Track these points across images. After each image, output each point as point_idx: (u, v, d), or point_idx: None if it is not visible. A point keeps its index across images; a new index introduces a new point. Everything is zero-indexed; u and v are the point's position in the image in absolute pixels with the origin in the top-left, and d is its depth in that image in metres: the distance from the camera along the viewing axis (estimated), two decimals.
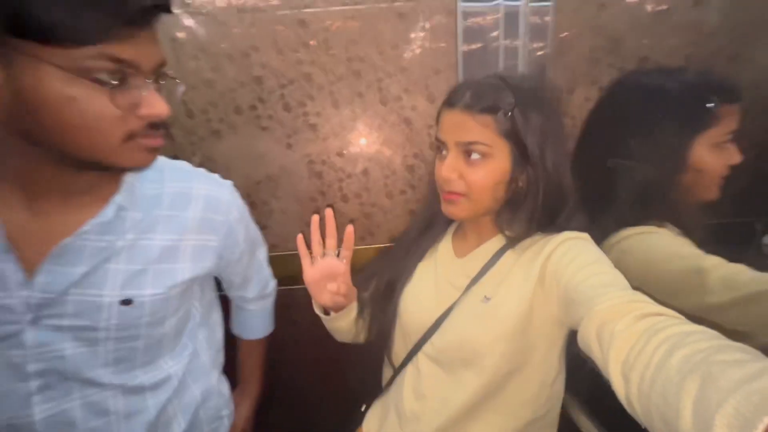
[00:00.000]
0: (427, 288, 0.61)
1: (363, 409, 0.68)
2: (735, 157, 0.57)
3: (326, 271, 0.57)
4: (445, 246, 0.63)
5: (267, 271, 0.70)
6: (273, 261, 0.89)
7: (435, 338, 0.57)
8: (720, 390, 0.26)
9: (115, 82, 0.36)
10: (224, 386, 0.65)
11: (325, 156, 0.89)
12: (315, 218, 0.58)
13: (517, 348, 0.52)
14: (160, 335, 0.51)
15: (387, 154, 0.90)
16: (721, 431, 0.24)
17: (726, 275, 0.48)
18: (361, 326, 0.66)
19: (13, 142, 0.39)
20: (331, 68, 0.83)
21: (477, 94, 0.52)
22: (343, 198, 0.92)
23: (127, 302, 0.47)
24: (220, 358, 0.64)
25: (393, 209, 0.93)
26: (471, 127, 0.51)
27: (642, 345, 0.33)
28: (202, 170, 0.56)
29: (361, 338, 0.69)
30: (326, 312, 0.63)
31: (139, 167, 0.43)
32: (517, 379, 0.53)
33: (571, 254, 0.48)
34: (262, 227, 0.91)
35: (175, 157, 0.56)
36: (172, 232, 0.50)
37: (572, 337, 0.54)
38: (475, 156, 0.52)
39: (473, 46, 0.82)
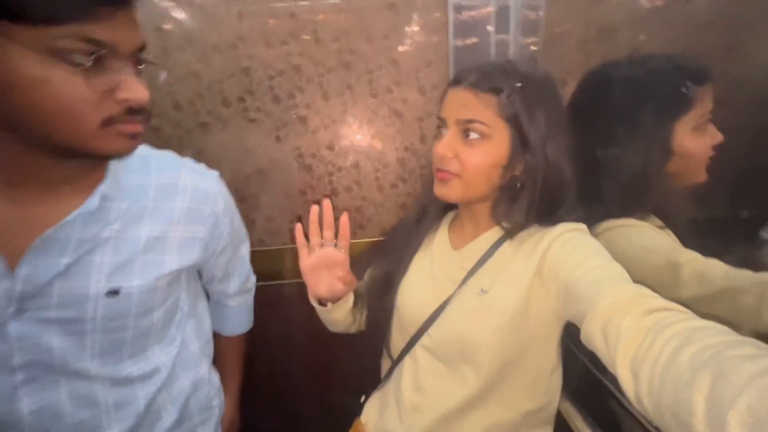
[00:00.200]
0: (424, 281, 0.61)
1: (362, 400, 0.68)
2: (716, 136, 0.58)
3: (324, 261, 0.57)
4: (441, 238, 0.63)
5: (248, 266, 0.70)
6: (262, 256, 0.90)
7: (432, 331, 0.57)
8: (732, 386, 0.25)
9: (90, 64, 0.35)
10: (214, 376, 0.65)
11: (314, 149, 0.88)
12: (314, 209, 0.57)
13: (514, 340, 0.52)
14: (148, 326, 0.51)
15: (378, 147, 0.90)
16: (735, 429, 0.24)
17: (699, 270, 0.49)
18: (356, 317, 0.66)
19: None
20: (320, 60, 0.83)
21: (484, 73, 0.52)
22: (333, 192, 0.92)
23: (113, 293, 0.46)
24: (209, 349, 0.64)
25: (384, 203, 0.93)
26: (473, 105, 0.51)
27: (650, 341, 0.33)
28: (188, 160, 0.55)
29: (354, 329, 0.69)
30: (322, 303, 0.62)
31: (120, 154, 0.42)
32: (515, 370, 0.53)
33: (569, 246, 0.48)
34: (251, 222, 0.91)
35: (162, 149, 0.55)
36: (159, 223, 0.49)
37: (564, 331, 0.55)
38: (473, 135, 0.51)
39: (465, 39, 0.83)
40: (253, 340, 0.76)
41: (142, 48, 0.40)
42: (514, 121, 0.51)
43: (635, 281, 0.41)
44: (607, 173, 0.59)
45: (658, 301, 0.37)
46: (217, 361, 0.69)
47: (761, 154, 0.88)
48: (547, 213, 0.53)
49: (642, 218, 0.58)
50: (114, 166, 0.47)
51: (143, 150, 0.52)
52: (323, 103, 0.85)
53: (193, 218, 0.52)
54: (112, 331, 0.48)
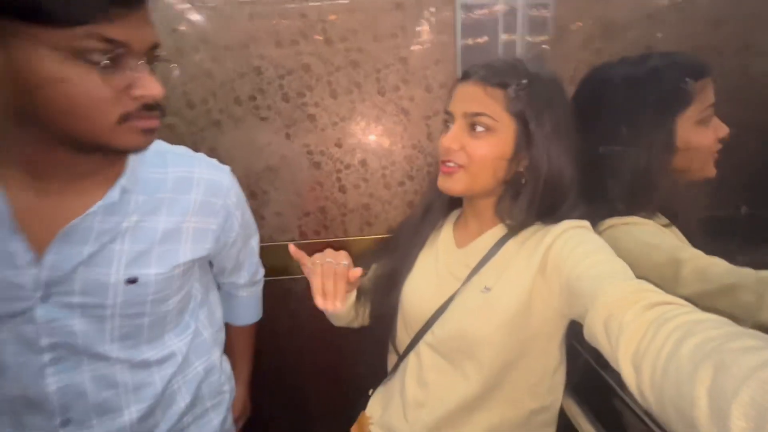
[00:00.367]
0: (428, 278, 0.61)
1: (370, 393, 0.70)
2: (721, 129, 0.58)
3: (327, 274, 0.54)
4: (446, 236, 0.64)
5: (257, 259, 0.72)
6: (271, 251, 0.91)
7: (435, 328, 0.57)
8: (734, 378, 0.25)
9: (107, 63, 0.37)
10: (226, 363, 0.68)
11: (323, 146, 0.90)
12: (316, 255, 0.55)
13: (517, 338, 0.52)
14: (164, 313, 0.54)
15: (385, 145, 0.91)
16: (738, 421, 0.24)
17: (700, 267, 0.49)
18: (359, 312, 0.67)
19: (17, 125, 0.41)
20: (329, 59, 0.84)
21: (493, 69, 0.53)
22: (341, 189, 0.94)
23: (132, 281, 0.49)
24: (221, 337, 0.67)
25: (391, 200, 0.95)
26: (481, 99, 0.52)
27: (652, 335, 0.33)
28: (202, 155, 0.58)
29: (357, 324, 0.70)
30: None
31: (137, 149, 0.44)
32: (518, 368, 0.53)
33: (572, 243, 0.48)
34: (261, 217, 0.93)
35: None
36: (175, 215, 0.52)
37: (569, 330, 0.55)
38: (479, 128, 0.52)
39: (472, 38, 0.83)
40: (262, 332, 0.79)
41: (155, 46, 0.42)
42: (520, 117, 0.52)
43: (638, 278, 0.41)
44: (611, 172, 0.59)
45: (660, 295, 0.37)
46: (229, 350, 0.71)
47: None
48: (549, 210, 0.53)
49: (648, 216, 0.58)
50: (133, 160, 0.49)
51: (159, 146, 0.54)
52: (332, 101, 0.87)
53: (207, 210, 0.55)
54: (131, 317, 0.50)
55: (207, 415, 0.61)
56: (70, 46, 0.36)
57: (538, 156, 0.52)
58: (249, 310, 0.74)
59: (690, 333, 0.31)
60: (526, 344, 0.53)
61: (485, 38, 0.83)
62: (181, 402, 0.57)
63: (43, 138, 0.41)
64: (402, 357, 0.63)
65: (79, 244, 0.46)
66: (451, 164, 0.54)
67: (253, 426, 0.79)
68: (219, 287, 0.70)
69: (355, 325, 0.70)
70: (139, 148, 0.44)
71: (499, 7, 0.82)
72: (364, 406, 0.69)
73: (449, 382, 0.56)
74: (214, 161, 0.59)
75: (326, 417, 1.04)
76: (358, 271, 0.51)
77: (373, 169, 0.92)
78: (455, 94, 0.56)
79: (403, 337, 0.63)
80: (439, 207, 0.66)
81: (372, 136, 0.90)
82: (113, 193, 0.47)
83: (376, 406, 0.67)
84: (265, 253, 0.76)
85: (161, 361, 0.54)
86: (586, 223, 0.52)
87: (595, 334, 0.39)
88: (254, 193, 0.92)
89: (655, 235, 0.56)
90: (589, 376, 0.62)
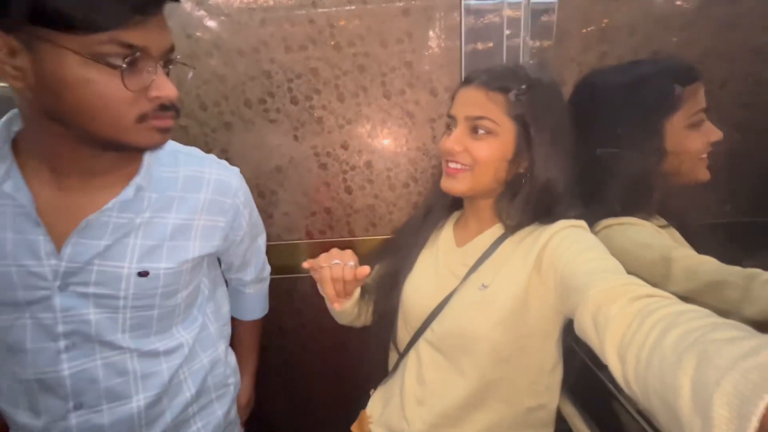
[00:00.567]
0: (428, 276, 0.62)
1: (372, 392, 0.71)
2: (713, 133, 0.58)
3: (335, 278, 0.55)
4: (446, 235, 0.65)
5: (264, 257, 0.74)
6: (278, 249, 0.94)
7: (435, 325, 0.58)
8: (717, 368, 0.26)
9: (126, 66, 0.40)
10: (231, 357, 0.70)
11: (330, 148, 0.92)
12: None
13: (515, 335, 0.53)
14: (173, 306, 0.56)
15: (390, 147, 0.93)
16: (721, 410, 0.24)
17: (689, 265, 0.49)
18: (362, 311, 0.69)
19: (42, 123, 0.44)
20: (337, 63, 0.86)
21: (494, 74, 0.55)
22: (347, 189, 0.95)
23: (143, 274, 0.51)
24: (227, 331, 0.69)
25: (396, 201, 0.96)
26: (482, 103, 0.54)
27: (636, 326, 0.34)
28: (212, 156, 0.60)
29: (361, 322, 0.72)
30: None
31: (153, 146, 0.47)
32: (516, 366, 0.54)
33: (568, 242, 0.49)
34: (268, 216, 0.96)
35: None
36: (185, 212, 0.54)
37: (566, 330, 0.56)
38: (481, 131, 0.54)
39: (476, 43, 0.84)
40: (268, 329, 0.81)
41: (171, 50, 0.45)
42: (520, 120, 0.53)
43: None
44: (607, 174, 0.60)
45: (646, 288, 0.38)
46: (236, 345, 0.73)
47: None
48: (546, 211, 0.54)
49: (645, 218, 0.58)
50: (147, 160, 0.52)
51: (173, 146, 0.57)
52: (338, 104, 0.89)
53: (216, 209, 0.57)
54: (141, 308, 0.53)
55: (211, 406, 0.63)
56: (92, 51, 0.39)
57: (537, 158, 0.53)
58: (255, 306, 0.76)
59: (674, 324, 0.31)
60: (523, 342, 0.54)
61: (490, 43, 0.84)
62: (187, 392, 0.59)
63: (67, 136, 0.44)
64: (402, 355, 0.64)
65: (96, 237, 0.49)
66: (456, 165, 0.56)
67: (256, 419, 0.80)
68: (227, 283, 0.73)
69: (358, 324, 0.72)
70: (156, 146, 0.47)
71: (504, 13, 0.83)
72: (365, 405, 0.70)
73: (448, 380, 0.57)
74: (224, 162, 0.61)
75: (329, 413, 1.06)
76: (365, 270, 0.53)
77: (379, 171, 0.94)
78: (457, 99, 0.58)
79: (403, 336, 0.65)
80: (440, 208, 0.67)
81: (377, 138, 0.92)
82: (128, 191, 0.49)
83: (376, 405, 0.68)
84: (272, 251, 0.78)
85: (169, 352, 0.57)
86: (582, 223, 0.53)
87: (585, 328, 0.40)
88: (262, 192, 0.94)
89: (648, 235, 0.56)
90: (586, 376, 0.62)
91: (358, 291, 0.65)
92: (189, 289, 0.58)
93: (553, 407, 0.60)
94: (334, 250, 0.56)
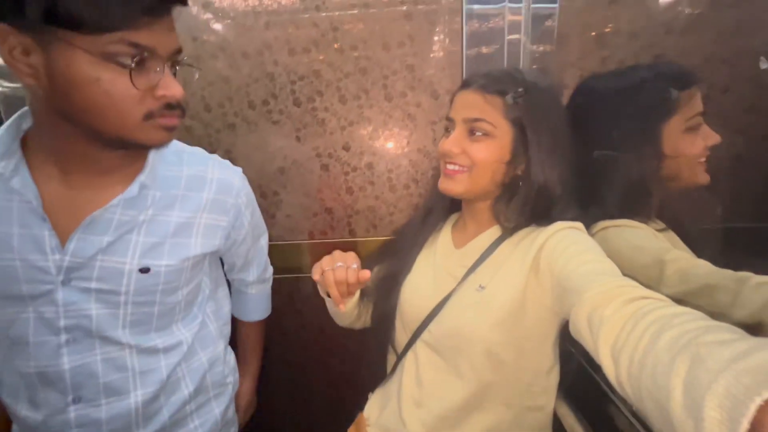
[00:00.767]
0: (426, 278, 0.63)
1: (370, 395, 0.71)
2: (711, 137, 0.58)
3: (338, 282, 0.55)
4: (444, 237, 0.65)
5: (266, 258, 0.75)
6: (279, 250, 0.95)
7: (432, 326, 0.59)
8: (709, 370, 0.26)
9: (134, 65, 0.41)
10: (230, 356, 0.70)
11: (331, 149, 0.93)
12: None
13: (512, 336, 0.53)
14: (173, 303, 0.57)
15: (391, 149, 0.93)
16: (712, 412, 0.25)
17: (682, 268, 0.50)
18: (361, 312, 0.69)
19: (52, 121, 0.45)
20: (339, 66, 0.88)
21: (492, 77, 0.56)
22: (348, 191, 0.96)
23: (145, 270, 0.52)
24: (227, 330, 0.69)
25: (397, 203, 0.96)
26: (480, 106, 0.54)
27: (630, 328, 0.34)
28: (216, 156, 0.61)
29: (359, 325, 0.72)
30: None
31: (159, 144, 0.48)
32: (512, 368, 0.54)
33: (564, 243, 0.49)
34: (271, 217, 0.96)
35: None
36: (188, 211, 0.55)
37: (563, 332, 0.56)
38: (478, 133, 0.55)
39: (478, 47, 0.85)
40: (269, 329, 0.81)
41: (178, 51, 0.46)
42: (517, 123, 0.54)
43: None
44: (604, 177, 0.60)
45: (640, 290, 0.38)
46: (239, 345, 0.74)
47: None
48: (543, 213, 0.55)
49: (643, 221, 0.59)
50: (152, 158, 0.53)
51: (177, 146, 0.58)
52: (341, 106, 0.90)
53: (218, 208, 0.58)
54: (142, 305, 0.54)
55: (209, 405, 0.64)
56: (102, 50, 0.40)
57: (534, 160, 0.54)
58: (258, 306, 0.77)
59: (667, 326, 0.31)
60: (521, 343, 0.54)
61: (491, 47, 0.85)
62: (185, 390, 0.59)
63: (75, 134, 0.45)
64: (400, 357, 0.64)
65: (100, 233, 0.50)
66: (455, 167, 0.56)
67: (256, 419, 0.81)
68: (230, 284, 0.73)
69: (357, 325, 0.72)
70: (161, 144, 0.48)
71: (505, 17, 0.83)
72: (362, 407, 0.70)
73: (445, 381, 0.57)
74: (227, 162, 0.62)
75: (329, 413, 1.06)
76: (366, 273, 0.53)
77: (380, 173, 0.95)
78: (456, 101, 0.58)
79: (401, 337, 0.65)
80: (439, 210, 0.68)
81: (379, 140, 0.93)
82: (133, 188, 0.50)
83: (373, 407, 0.68)
84: (274, 252, 0.79)
85: (168, 349, 0.57)
86: (579, 225, 0.53)
87: (580, 329, 0.40)
88: (265, 193, 0.95)
89: (644, 238, 0.56)
90: (583, 380, 0.62)
91: (358, 292, 0.65)
92: (189, 287, 0.58)
93: (549, 409, 0.60)
94: (337, 253, 0.57)
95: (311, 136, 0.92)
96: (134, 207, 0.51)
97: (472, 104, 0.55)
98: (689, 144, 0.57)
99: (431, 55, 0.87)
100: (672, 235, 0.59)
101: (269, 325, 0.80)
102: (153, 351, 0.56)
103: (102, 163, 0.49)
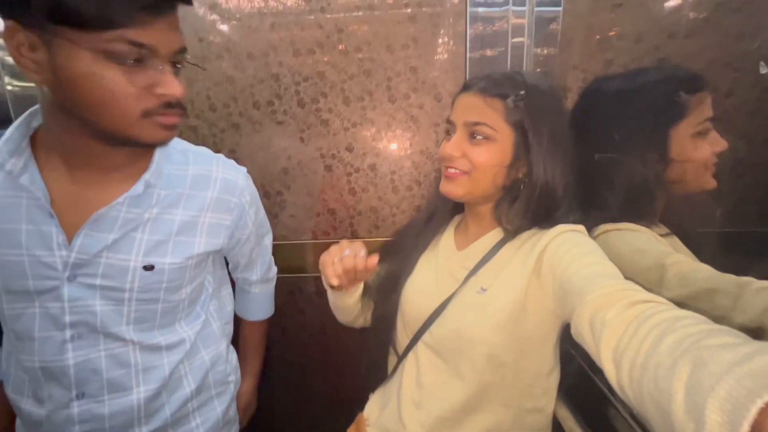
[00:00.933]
0: (428, 279, 0.63)
1: (371, 395, 0.71)
2: (718, 143, 0.58)
3: (347, 272, 0.56)
4: (447, 239, 0.65)
5: (270, 257, 0.75)
6: (283, 250, 0.95)
7: (433, 328, 0.59)
8: (711, 374, 0.26)
9: (132, 63, 0.42)
10: (232, 355, 0.70)
11: (335, 150, 0.94)
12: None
13: (513, 338, 0.53)
14: (177, 301, 0.57)
15: (394, 150, 0.94)
16: (714, 414, 0.25)
17: (683, 272, 0.49)
18: (363, 309, 0.69)
19: (59, 118, 0.46)
20: (343, 67, 0.88)
21: (493, 81, 0.56)
22: (351, 191, 0.97)
23: (149, 268, 0.52)
24: (229, 329, 0.69)
25: (399, 204, 0.97)
26: (480, 109, 0.54)
27: (632, 331, 0.34)
28: (221, 156, 0.62)
29: (360, 323, 0.72)
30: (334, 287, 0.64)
31: (158, 142, 0.48)
32: (513, 370, 0.54)
33: (566, 246, 0.49)
34: (274, 217, 0.97)
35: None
36: (192, 209, 0.56)
37: (563, 334, 0.56)
38: (479, 137, 0.55)
39: (481, 49, 0.86)
40: (271, 327, 0.81)
41: (181, 50, 0.46)
42: (518, 126, 0.54)
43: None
44: (608, 181, 0.60)
45: (642, 293, 0.38)
46: (241, 344, 0.74)
47: None
48: (545, 215, 0.55)
49: (646, 225, 0.58)
50: (158, 157, 0.53)
51: (183, 145, 0.58)
52: (344, 107, 0.91)
53: (222, 207, 0.58)
54: (146, 302, 0.54)
55: (211, 403, 0.64)
56: (102, 48, 0.41)
57: (535, 163, 0.54)
58: (261, 306, 0.77)
59: (669, 330, 0.32)
60: (521, 345, 0.54)
61: (495, 50, 0.85)
62: (187, 388, 0.60)
63: (81, 131, 0.46)
64: (401, 358, 0.64)
65: (105, 230, 0.50)
66: (455, 170, 0.56)
67: (257, 419, 0.81)
68: (233, 284, 0.73)
69: (358, 323, 0.72)
70: (161, 142, 0.49)
71: (509, 20, 0.84)
72: (362, 408, 0.70)
73: (446, 383, 0.57)
74: (232, 162, 0.62)
75: (329, 413, 1.05)
76: (374, 260, 0.54)
77: (382, 174, 0.95)
78: (457, 105, 0.59)
79: (402, 339, 0.65)
80: (442, 212, 0.68)
81: (382, 141, 0.93)
82: (138, 187, 0.51)
83: (373, 408, 0.68)
84: (277, 251, 0.79)
85: (171, 347, 0.58)
86: (581, 227, 0.53)
87: (581, 331, 0.40)
88: (268, 193, 0.96)
89: (645, 241, 0.56)
90: (583, 382, 0.62)
91: (361, 286, 0.65)
92: (193, 285, 0.59)
93: (549, 411, 0.60)
94: (344, 242, 0.57)
95: (315, 137, 0.93)
96: (139, 205, 0.52)
97: (473, 107, 0.55)
98: (697, 149, 0.57)
99: (435, 58, 0.88)
100: (675, 240, 0.59)
101: (271, 324, 0.80)
102: (156, 348, 0.56)
103: (108, 161, 0.50)
